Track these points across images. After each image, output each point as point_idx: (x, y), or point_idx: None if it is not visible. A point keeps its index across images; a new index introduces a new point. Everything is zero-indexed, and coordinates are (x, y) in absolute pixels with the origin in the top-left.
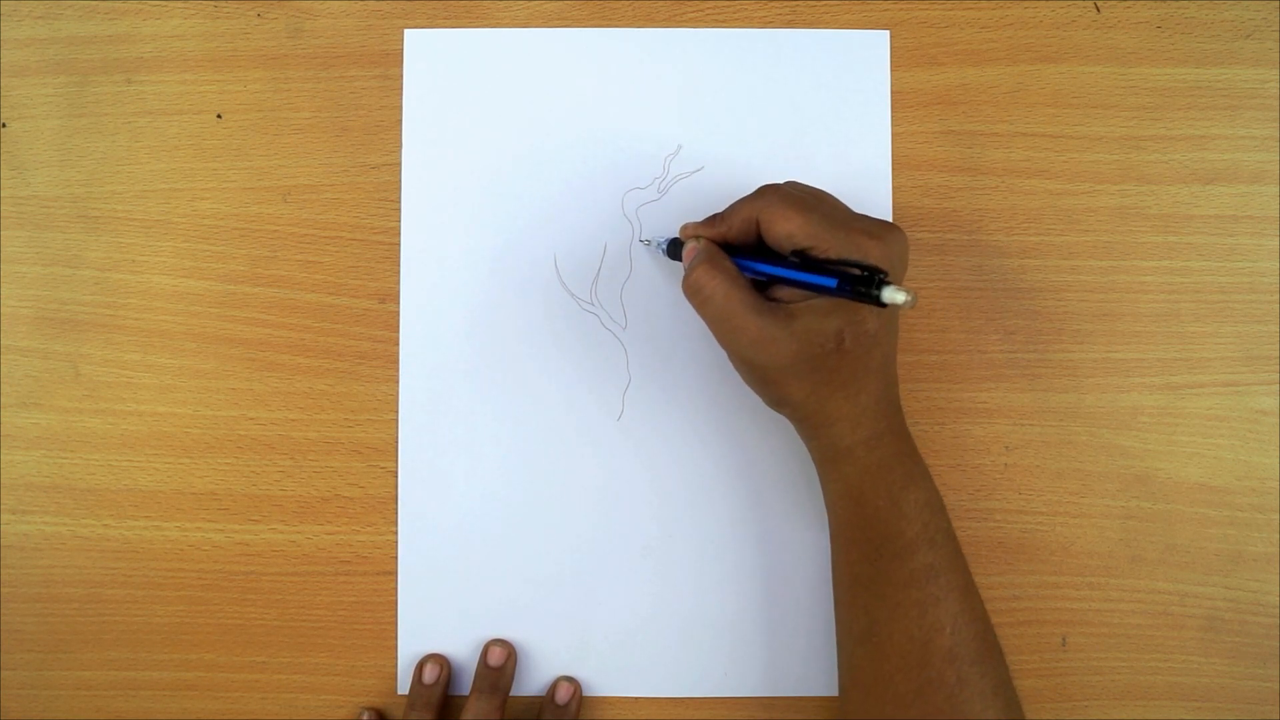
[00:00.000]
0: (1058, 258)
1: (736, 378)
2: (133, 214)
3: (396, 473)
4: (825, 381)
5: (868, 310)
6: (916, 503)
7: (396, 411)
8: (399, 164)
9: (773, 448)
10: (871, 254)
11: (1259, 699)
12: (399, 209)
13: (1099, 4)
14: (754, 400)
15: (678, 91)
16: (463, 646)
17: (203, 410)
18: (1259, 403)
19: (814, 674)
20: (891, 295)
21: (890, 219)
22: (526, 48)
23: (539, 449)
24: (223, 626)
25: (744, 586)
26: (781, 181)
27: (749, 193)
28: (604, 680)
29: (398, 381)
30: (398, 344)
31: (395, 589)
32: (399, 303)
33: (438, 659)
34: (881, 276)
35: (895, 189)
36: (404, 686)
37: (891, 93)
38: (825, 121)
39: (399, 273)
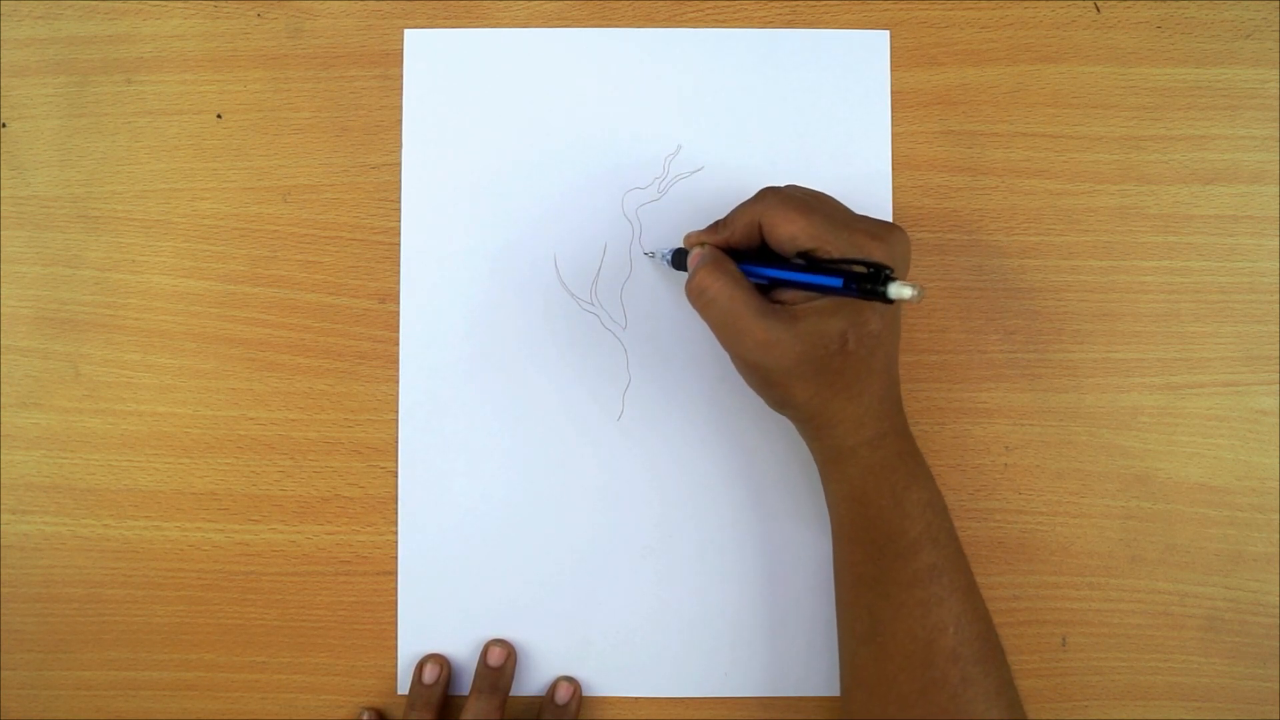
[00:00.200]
0: (1058, 258)
1: (737, 378)
2: (133, 214)
3: (396, 473)
4: (829, 383)
5: (870, 311)
6: (919, 502)
7: (396, 411)
8: (399, 164)
9: (773, 448)
10: (874, 254)
11: (1259, 699)
12: (399, 209)
13: (1099, 4)
14: (754, 400)
15: (678, 91)
16: (463, 646)
17: (203, 410)
18: (1259, 403)
19: (814, 674)
20: (898, 290)
21: (890, 219)
22: (526, 48)
23: (539, 449)
24: (223, 626)
25: (744, 586)
26: (782, 184)
27: (749, 197)
28: (604, 680)
29: (398, 381)
30: (398, 344)
31: (395, 589)
32: (399, 303)
33: (438, 659)
34: (888, 273)
35: (895, 189)
36: (404, 686)
37: (892, 93)
38: (825, 122)
39: (399, 273)
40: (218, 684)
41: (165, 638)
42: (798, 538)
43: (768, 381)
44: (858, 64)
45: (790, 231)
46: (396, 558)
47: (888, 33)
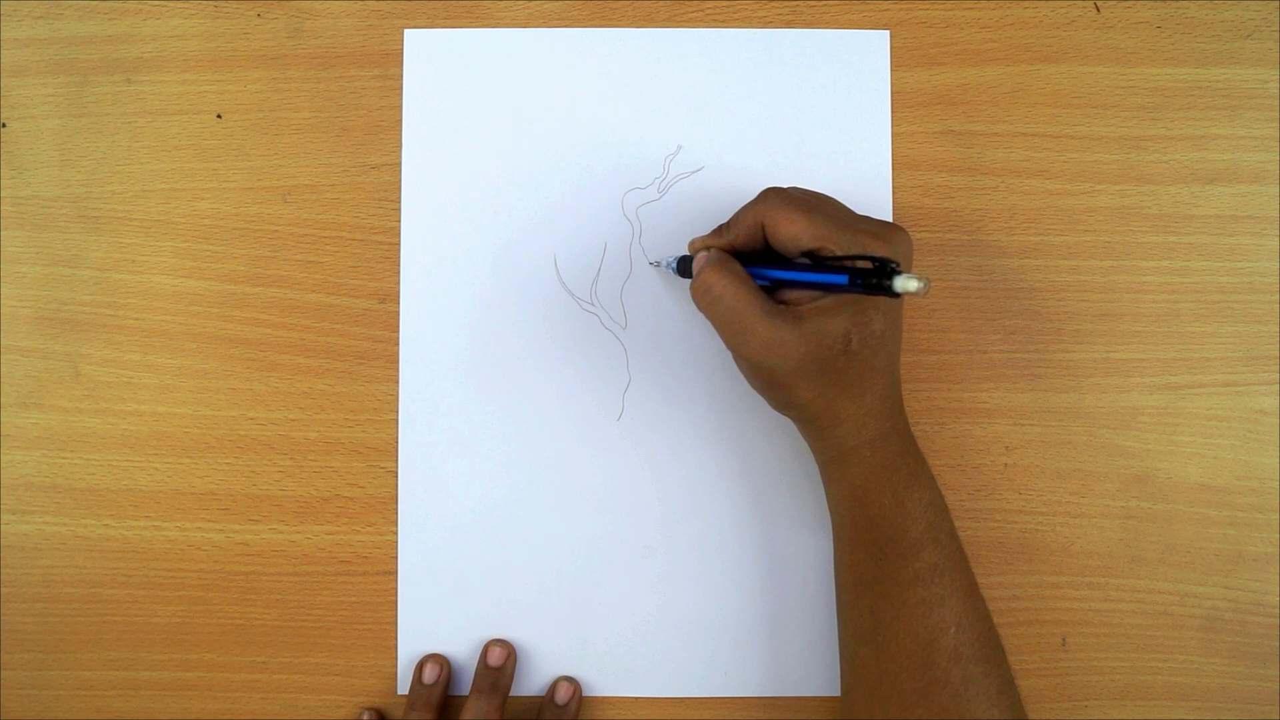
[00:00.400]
0: (1058, 258)
1: (737, 377)
2: (133, 214)
3: (396, 473)
4: (832, 383)
5: (874, 311)
6: (921, 502)
7: (396, 411)
8: (399, 164)
9: (773, 448)
10: (877, 253)
11: (1259, 699)
12: (399, 209)
13: (1099, 4)
14: (754, 400)
15: (678, 91)
16: (463, 646)
17: (203, 410)
18: (1259, 403)
19: (815, 674)
20: (904, 284)
21: (890, 219)
22: (526, 48)
23: (539, 449)
24: (223, 626)
25: (744, 586)
26: (783, 185)
27: (751, 198)
28: (604, 680)
29: (398, 381)
30: (398, 344)
31: (395, 589)
32: (399, 303)
33: (438, 659)
34: (893, 266)
35: (895, 189)
36: (404, 686)
37: (892, 93)
38: (826, 121)
39: (399, 273)
40: (218, 684)
41: (165, 638)
42: (798, 537)
43: (772, 382)
44: (858, 64)
45: (793, 232)
46: (396, 558)
47: (888, 33)
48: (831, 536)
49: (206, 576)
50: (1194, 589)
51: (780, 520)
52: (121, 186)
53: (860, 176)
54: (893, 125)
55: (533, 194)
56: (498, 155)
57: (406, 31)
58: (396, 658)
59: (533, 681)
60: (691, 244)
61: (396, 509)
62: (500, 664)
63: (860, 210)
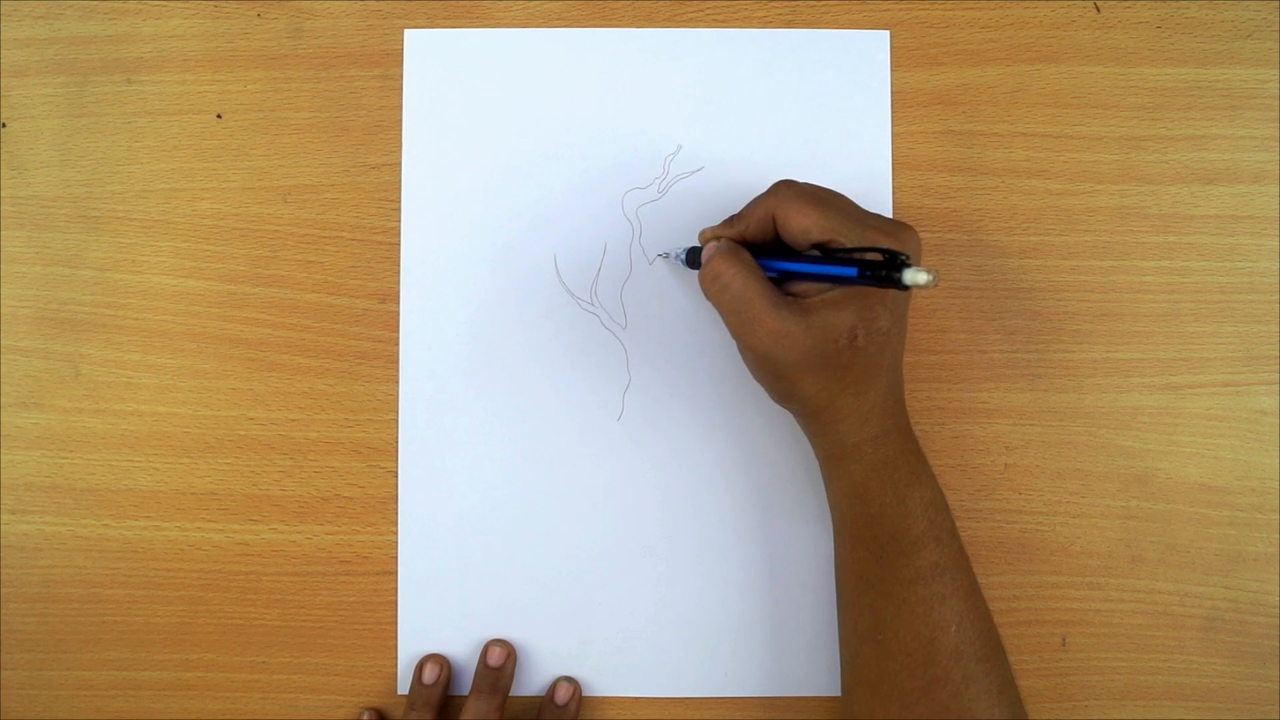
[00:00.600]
0: (1058, 258)
1: (737, 377)
2: (133, 214)
3: (396, 473)
4: (836, 378)
5: (881, 307)
6: (922, 501)
7: (396, 411)
8: (399, 164)
9: (774, 447)
10: (885, 246)
11: (1259, 699)
12: (399, 209)
13: (1099, 4)
14: (755, 399)
15: (678, 91)
16: (463, 646)
17: (203, 410)
18: (1259, 403)
19: (816, 674)
20: (913, 276)
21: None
22: (526, 48)
23: (539, 449)
24: (223, 626)
25: (745, 586)
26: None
27: (758, 192)
28: (604, 680)
29: (398, 381)
30: (398, 344)
31: (395, 589)
32: (399, 303)
33: (438, 659)
34: (903, 259)
35: (895, 189)
36: (404, 686)
37: (892, 93)
38: (826, 121)
39: (399, 273)
40: (218, 684)
41: (165, 638)
42: (799, 537)
43: (775, 374)
44: (858, 64)
45: (804, 224)
46: (396, 558)
47: (888, 33)
48: (832, 535)
49: (206, 576)
50: (1194, 589)
51: (781, 520)
52: (121, 186)
53: (861, 176)
54: (893, 125)
55: (533, 194)
56: (498, 155)
57: (406, 31)
58: (396, 658)
59: (533, 681)
60: (702, 234)
61: (396, 509)
62: (500, 664)
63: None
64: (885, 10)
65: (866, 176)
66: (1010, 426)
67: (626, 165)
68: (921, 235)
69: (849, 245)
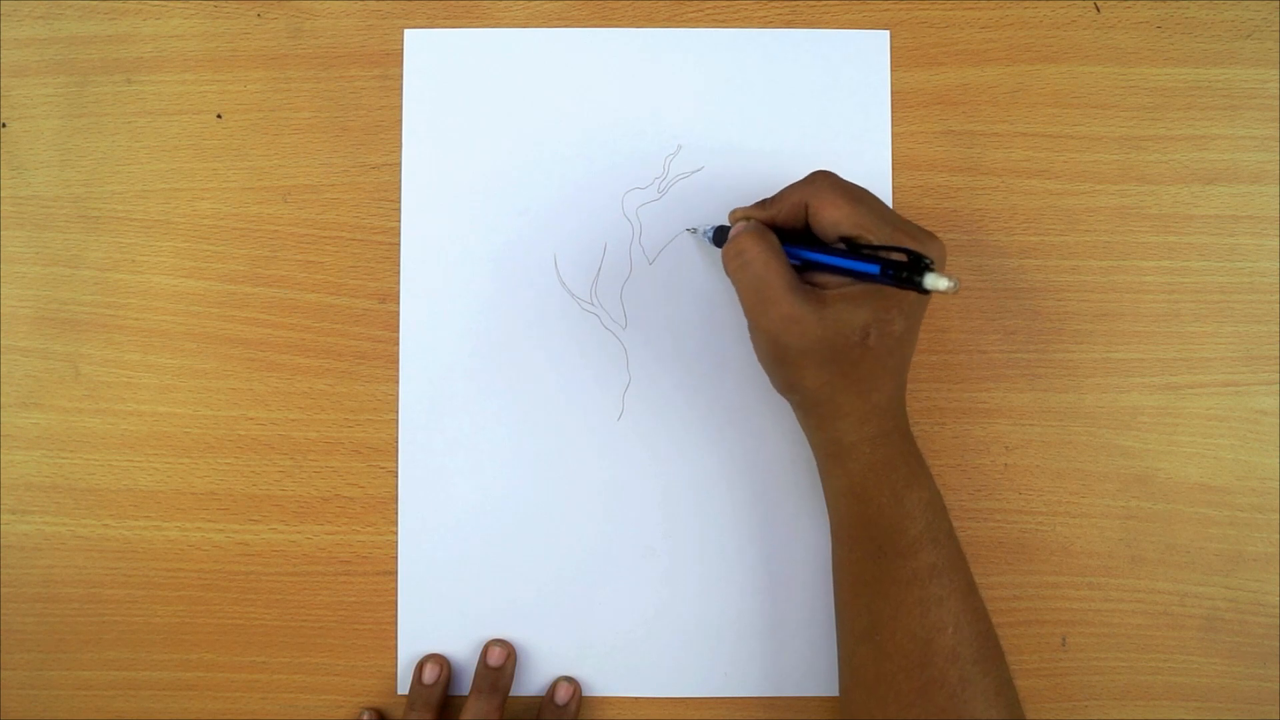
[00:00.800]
0: (1058, 258)
1: (738, 376)
2: (133, 214)
3: (396, 473)
4: (842, 374)
5: (897, 311)
6: (919, 502)
7: (396, 411)
8: (399, 164)
9: (774, 447)
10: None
11: (1259, 699)
12: (399, 209)
13: (1099, 4)
14: (756, 399)
15: (677, 91)
16: (463, 646)
17: (203, 410)
18: (1259, 403)
19: (815, 674)
20: (934, 281)
21: None
22: (526, 48)
23: (539, 449)
24: (223, 626)
25: (744, 586)
26: (782, 183)
27: (751, 196)
28: (604, 680)
29: (398, 381)
30: (398, 344)
31: (395, 589)
32: (399, 303)
33: (438, 659)
34: (927, 262)
35: (896, 189)
36: (404, 686)
37: (892, 93)
38: (826, 121)
39: (399, 273)
40: (218, 684)
41: (165, 638)
42: (799, 537)
43: (782, 359)
44: (858, 64)
45: (835, 217)
46: (396, 558)
47: (888, 33)
48: (830, 535)
49: (206, 576)
50: (1194, 589)
51: (781, 520)
52: (121, 186)
53: (861, 176)
54: (893, 125)
55: (533, 194)
56: (497, 155)
57: (406, 31)
58: (396, 658)
59: (533, 681)
60: (732, 214)
61: (396, 509)
62: (500, 664)
63: None
64: (885, 10)
65: (866, 176)
66: (1010, 426)
67: (626, 165)
68: None
69: (876, 243)
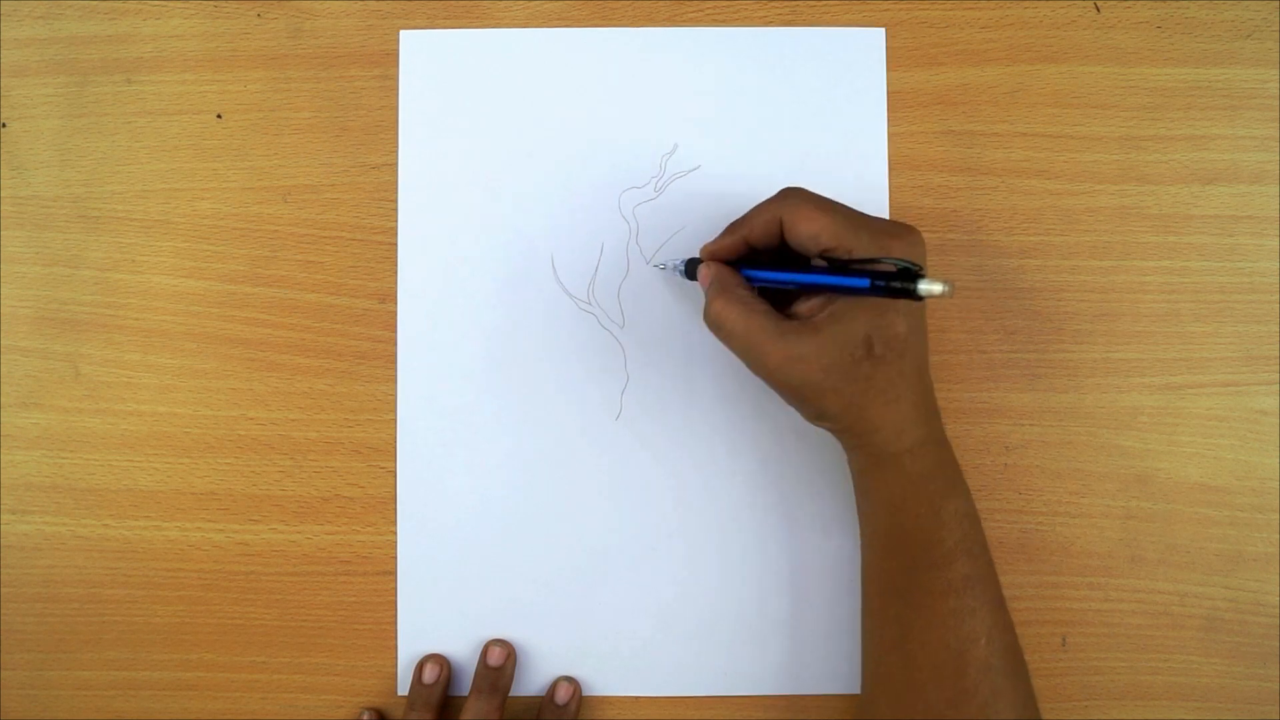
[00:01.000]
0: (1058, 258)
1: (735, 376)
2: (133, 214)
3: (396, 473)
4: (861, 391)
5: (895, 314)
6: (956, 513)
7: (396, 411)
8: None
9: (774, 445)
10: (896, 252)
11: (1259, 699)
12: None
13: (1099, 4)
14: (754, 398)
15: (674, 90)
16: (463, 646)
17: (203, 410)
18: (1259, 403)
19: (816, 672)
20: (929, 287)
21: (888, 216)
22: (524, 48)
23: (538, 449)
24: (223, 626)
25: (744, 585)
26: (780, 181)
27: (749, 196)
28: (604, 680)
29: (397, 381)
30: (397, 344)
31: (395, 589)
32: (397, 303)
33: (438, 659)
34: (918, 269)
35: (895, 189)
36: (404, 686)
37: (891, 93)
38: (822, 118)
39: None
40: (218, 684)
41: (165, 638)
42: (799, 536)
43: (799, 396)
44: (854, 61)
45: (811, 230)
46: (396, 558)
47: (883, 30)
48: (827, 534)
49: (206, 576)
50: (1194, 589)
51: (782, 518)
52: (121, 186)
53: (857, 172)
54: (892, 125)
55: (530, 194)
56: (495, 155)
57: (402, 32)
58: (396, 658)
59: (533, 681)
60: (703, 249)
61: (396, 509)
62: (500, 664)
63: (857, 207)
64: (885, 10)
65: (863, 172)
66: (1010, 426)
67: (623, 164)
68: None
69: (858, 251)
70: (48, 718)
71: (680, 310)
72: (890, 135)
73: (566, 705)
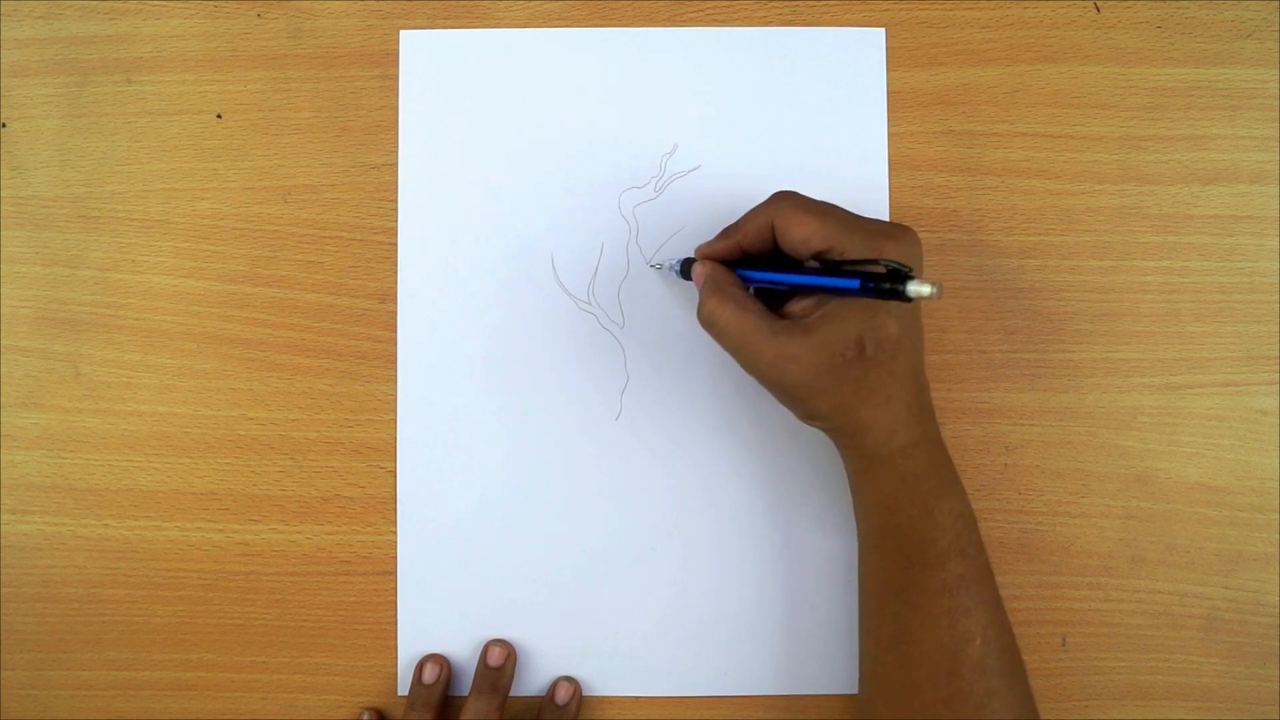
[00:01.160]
0: (1058, 258)
1: (735, 376)
2: (133, 214)
3: (396, 473)
4: (853, 391)
5: (887, 315)
6: (950, 513)
7: (396, 411)
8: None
9: (773, 445)
10: (889, 253)
11: (1259, 699)
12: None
13: (1099, 4)
14: (752, 397)
15: (674, 90)
16: (463, 646)
17: (203, 410)
18: (1259, 403)
19: (815, 672)
20: (917, 289)
21: (888, 215)
22: (524, 48)
23: (538, 449)
24: (223, 626)
25: (745, 585)
26: (779, 181)
27: (749, 196)
28: (604, 680)
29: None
30: (397, 344)
31: (395, 589)
32: (397, 303)
33: (438, 659)
34: (907, 271)
35: (895, 189)
36: (404, 686)
37: (892, 93)
38: (822, 118)
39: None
40: (218, 684)
41: (165, 638)
42: (799, 535)
43: (792, 397)
44: (853, 61)
45: (803, 233)
46: (396, 558)
47: (883, 30)
48: (827, 533)
49: (206, 576)
50: (1194, 589)
51: (782, 518)
52: (121, 186)
53: (857, 172)
54: (892, 125)
55: (530, 194)
56: (495, 155)
57: (402, 32)
58: (396, 658)
59: (533, 681)
60: (697, 250)
61: (396, 509)
62: (500, 664)
63: (857, 206)
64: (885, 10)
65: (863, 173)
66: (1010, 426)
67: (623, 164)
68: (921, 235)
69: (851, 253)
70: (48, 718)
71: (680, 310)
72: (890, 135)
73: (566, 705)
